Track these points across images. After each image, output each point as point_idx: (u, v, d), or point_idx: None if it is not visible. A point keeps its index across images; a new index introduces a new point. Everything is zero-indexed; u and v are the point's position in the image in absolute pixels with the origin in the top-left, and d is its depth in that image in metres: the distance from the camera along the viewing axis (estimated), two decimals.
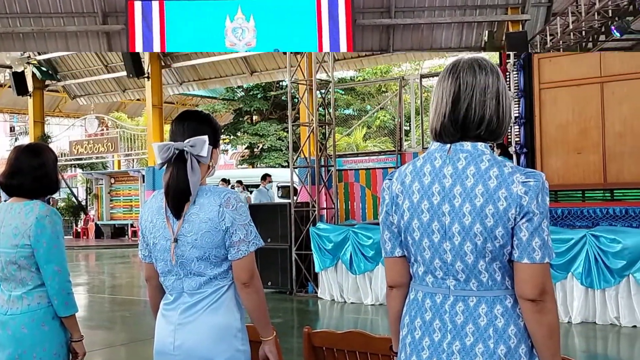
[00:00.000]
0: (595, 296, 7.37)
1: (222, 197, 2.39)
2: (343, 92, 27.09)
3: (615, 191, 10.33)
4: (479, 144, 1.89)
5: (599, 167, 10.52)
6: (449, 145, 1.91)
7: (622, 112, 10.39)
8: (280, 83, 26.91)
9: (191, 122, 2.46)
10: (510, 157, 10.35)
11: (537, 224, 1.79)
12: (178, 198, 2.39)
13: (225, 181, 15.88)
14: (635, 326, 7.15)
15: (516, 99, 11.19)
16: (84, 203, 27.75)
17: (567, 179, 10.57)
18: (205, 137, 2.41)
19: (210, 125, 2.50)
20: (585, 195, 10.63)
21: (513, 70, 11.32)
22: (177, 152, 2.39)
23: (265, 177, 14.88)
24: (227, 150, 33.36)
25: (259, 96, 28.40)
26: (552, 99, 11.06)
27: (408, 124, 17.29)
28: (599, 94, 10.60)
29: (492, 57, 21.07)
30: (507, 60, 11.46)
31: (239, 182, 16.98)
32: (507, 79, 11.40)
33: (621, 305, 7.23)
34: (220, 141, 2.66)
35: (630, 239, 7.11)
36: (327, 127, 11.68)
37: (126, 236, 24.70)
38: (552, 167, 10.85)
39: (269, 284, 10.13)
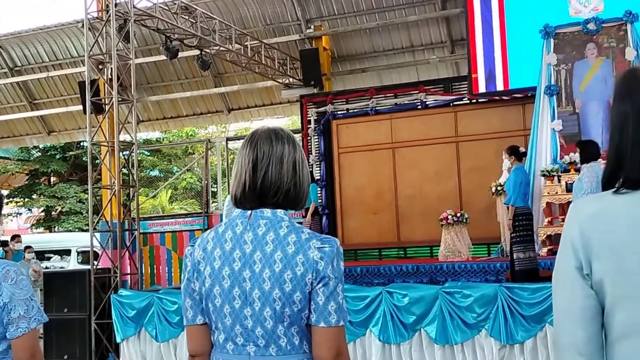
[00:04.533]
0: (392, 351, 7.74)
1: (1, 270, 2.24)
2: (149, 154, 26.52)
3: (407, 249, 11.10)
4: (279, 210, 1.95)
5: (393, 227, 11.27)
6: (249, 212, 1.96)
7: (412, 176, 11.28)
8: (81, 143, 25.77)
9: None
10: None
11: (333, 288, 1.87)
12: None
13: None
14: None
15: (318, 163, 11.71)
16: None
17: (365, 238, 11.19)
18: None
19: None
20: (382, 253, 11.29)
21: (314, 135, 11.89)
22: None
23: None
24: (20, 214, 31.00)
25: (57, 157, 26.86)
26: (350, 163, 11.74)
27: (215, 185, 17.31)
28: (391, 159, 11.45)
29: (294, 122, 21.99)
30: (309, 126, 12.01)
31: (28, 247, 13.25)
32: (309, 144, 11.94)
33: (414, 358, 7.66)
34: (2, 209, 2.50)
35: (419, 293, 7.59)
36: (130, 189, 11.34)
37: None
38: (352, 227, 11.44)
39: (66, 357, 9.49)
